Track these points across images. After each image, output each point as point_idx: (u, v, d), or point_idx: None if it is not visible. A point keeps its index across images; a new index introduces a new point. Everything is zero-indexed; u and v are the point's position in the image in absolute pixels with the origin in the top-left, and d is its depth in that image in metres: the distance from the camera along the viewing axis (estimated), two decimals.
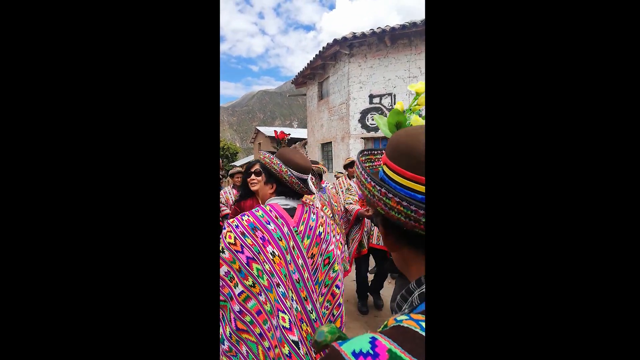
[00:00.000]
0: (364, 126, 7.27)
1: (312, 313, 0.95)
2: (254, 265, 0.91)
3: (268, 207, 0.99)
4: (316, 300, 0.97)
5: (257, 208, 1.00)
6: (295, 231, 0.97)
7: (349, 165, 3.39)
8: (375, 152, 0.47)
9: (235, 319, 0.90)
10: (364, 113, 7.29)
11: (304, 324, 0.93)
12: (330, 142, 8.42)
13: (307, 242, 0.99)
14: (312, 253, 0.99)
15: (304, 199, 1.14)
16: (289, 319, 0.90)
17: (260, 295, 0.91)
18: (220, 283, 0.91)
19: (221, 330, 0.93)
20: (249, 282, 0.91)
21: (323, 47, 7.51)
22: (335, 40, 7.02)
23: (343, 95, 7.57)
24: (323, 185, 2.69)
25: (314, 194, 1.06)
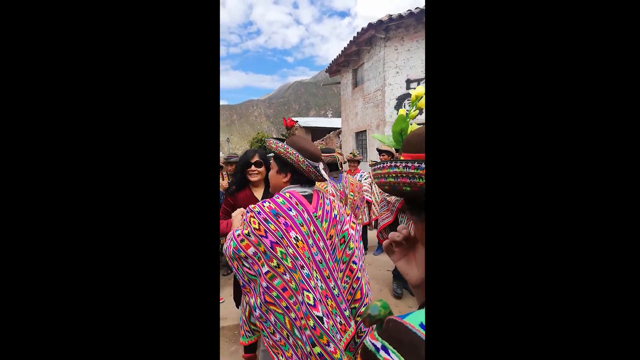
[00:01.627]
0: None
1: (334, 289, 1.03)
2: (278, 249, 0.97)
3: (288, 194, 1.03)
4: (337, 278, 1.04)
5: (278, 195, 1.04)
6: (315, 216, 1.03)
7: (384, 152, 3.32)
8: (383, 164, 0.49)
9: (264, 292, 0.98)
10: (401, 99, 7.00)
11: (329, 299, 1.00)
12: (365, 131, 8.26)
13: (325, 225, 1.05)
14: (330, 235, 1.06)
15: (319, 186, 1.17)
16: (313, 297, 0.96)
17: (285, 274, 0.97)
18: (250, 261, 0.99)
19: (253, 299, 1.02)
20: (274, 263, 0.97)
21: (357, 33, 7.29)
22: (370, 24, 6.77)
23: (378, 82, 7.33)
24: (341, 175, 2.60)
25: (326, 180, 1.10)
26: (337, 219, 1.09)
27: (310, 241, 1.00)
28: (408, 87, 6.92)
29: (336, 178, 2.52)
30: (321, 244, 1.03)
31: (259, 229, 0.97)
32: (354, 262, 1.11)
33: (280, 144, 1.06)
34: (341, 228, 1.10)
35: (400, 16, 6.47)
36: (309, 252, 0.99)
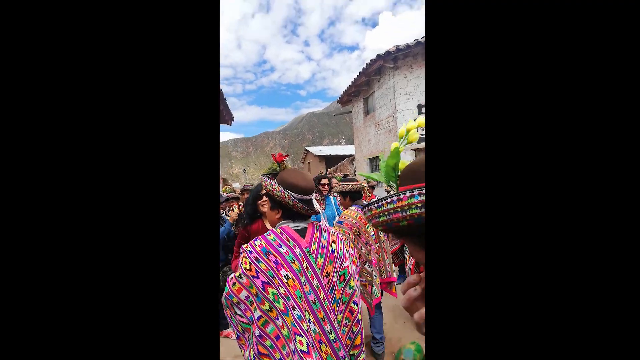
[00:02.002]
0: None
1: (330, 333, 0.93)
2: (270, 290, 0.91)
3: (279, 230, 1.00)
4: (334, 320, 0.95)
5: (269, 232, 1.01)
6: (308, 251, 0.97)
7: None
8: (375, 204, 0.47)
9: (257, 343, 0.91)
10: None
11: (323, 345, 0.91)
12: (378, 157, 8.25)
13: (320, 261, 0.98)
14: (327, 271, 0.98)
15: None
16: (306, 342, 0.89)
17: (278, 319, 0.91)
18: (243, 307, 0.93)
19: (248, 352, 0.94)
20: (266, 306, 0.92)
21: (367, 64, 7.58)
22: (378, 55, 7.04)
23: (390, 109, 7.46)
24: (365, 202, 2.50)
25: (318, 212, 1.07)
26: (336, 254, 1.02)
27: (303, 279, 0.93)
28: (420, 112, 6.99)
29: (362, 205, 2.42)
30: (315, 281, 0.95)
31: (250, 269, 0.93)
32: (355, 303, 1.03)
33: (269, 181, 1.04)
34: (340, 265, 1.02)
35: (407, 46, 6.71)
36: (300, 291, 0.92)
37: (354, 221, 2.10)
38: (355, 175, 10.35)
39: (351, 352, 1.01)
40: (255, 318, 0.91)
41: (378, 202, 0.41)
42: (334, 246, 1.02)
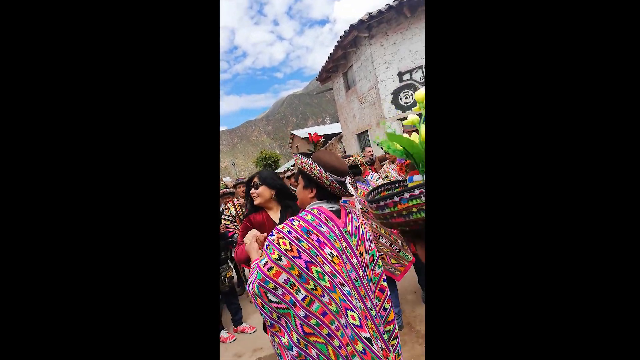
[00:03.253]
0: (398, 107, 6.92)
1: (372, 310, 0.97)
2: (314, 269, 0.90)
3: (315, 211, 0.98)
4: (372, 297, 0.99)
5: (305, 212, 0.99)
6: (345, 232, 0.98)
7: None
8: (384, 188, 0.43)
9: (302, 324, 0.89)
10: (396, 93, 6.93)
11: (369, 321, 0.94)
12: (366, 131, 8.20)
13: (354, 241, 1.00)
14: (360, 252, 1.01)
15: (352, 204, 1.15)
16: (358, 316, 0.91)
17: (324, 296, 0.90)
18: (281, 291, 0.90)
19: (287, 337, 0.92)
20: (311, 285, 0.90)
21: (341, 37, 7.32)
22: (351, 26, 6.78)
23: (370, 80, 7.30)
24: (366, 178, 2.47)
25: (353, 195, 1.03)
26: (365, 235, 1.05)
27: (344, 257, 0.96)
28: (401, 80, 6.86)
29: (364, 182, 2.37)
30: (354, 260, 0.98)
31: (291, 250, 0.90)
32: (384, 281, 1.07)
33: (305, 159, 1.02)
34: (369, 246, 1.06)
35: (380, 12, 6.47)
36: (345, 269, 0.94)
37: (359, 205, 2.06)
38: (344, 153, 10.29)
39: (386, 329, 1.04)
40: (300, 299, 0.89)
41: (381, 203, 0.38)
42: (363, 228, 1.04)
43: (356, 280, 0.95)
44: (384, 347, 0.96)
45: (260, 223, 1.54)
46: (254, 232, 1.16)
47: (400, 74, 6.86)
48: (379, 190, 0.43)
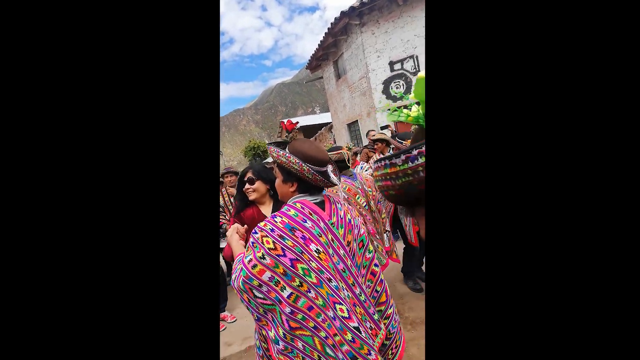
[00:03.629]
0: (389, 96, 6.90)
1: (361, 295, 0.99)
2: (299, 266, 0.88)
3: (299, 205, 0.94)
4: (361, 283, 1.01)
5: (288, 207, 0.95)
6: (331, 224, 0.97)
7: (378, 141, 3.21)
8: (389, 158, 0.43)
9: (288, 319, 0.89)
10: (387, 83, 6.90)
11: (357, 307, 0.97)
12: (357, 121, 8.16)
13: (341, 231, 0.99)
14: (348, 241, 1.00)
15: (330, 191, 1.10)
16: (347, 308, 0.92)
17: (310, 292, 0.89)
18: (266, 288, 0.89)
19: (273, 332, 0.92)
20: (296, 282, 0.89)
21: (331, 24, 7.17)
22: (342, 12, 6.65)
23: (361, 69, 7.22)
24: (353, 171, 2.43)
25: (337, 184, 1.00)
26: (352, 223, 1.04)
27: (331, 251, 0.94)
28: (392, 70, 6.81)
29: (351, 176, 2.30)
30: (341, 251, 0.97)
31: (275, 248, 0.88)
32: (376, 265, 1.08)
33: (282, 152, 0.96)
34: (358, 232, 1.05)
35: None
36: (332, 263, 0.93)
37: (343, 194, 2.05)
38: (335, 143, 10.25)
39: (378, 309, 1.06)
40: (285, 297, 0.88)
41: (399, 156, 0.38)
42: (349, 216, 1.04)
43: (344, 271, 0.95)
44: (372, 326, 0.98)
45: (251, 218, 1.49)
46: (235, 226, 1.14)
47: (391, 64, 6.81)
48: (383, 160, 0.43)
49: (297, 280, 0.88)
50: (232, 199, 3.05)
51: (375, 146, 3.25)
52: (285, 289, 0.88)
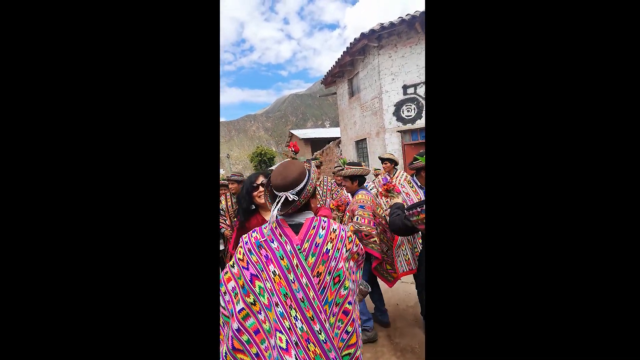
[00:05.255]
0: (400, 119, 6.98)
1: (320, 334, 0.89)
2: (257, 283, 0.90)
3: (274, 224, 0.96)
4: (325, 320, 0.91)
5: (266, 225, 0.97)
6: (299, 249, 0.93)
7: (386, 160, 3.28)
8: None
9: (233, 337, 0.89)
10: (399, 105, 7.00)
11: (311, 344, 0.88)
12: (365, 139, 8.24)
13: (312, 260, 0.93)
14: (318, 271, 0.93)
15: (320, 212, 1.09)
16: (287, 339, 0.87)
17: (260, 313, 0.90)
18: (228, 298, 0.91)
19: (221, 348, 0.91)
20: (250, 299, 0.90)
21: (350, 43, 7.36)
22: (362, 34, 6.83)
23: (375, 90, 7.35)
24: (366, 185, 2.48)
25: (270, 216, 0.98)
26: (330, 254, 0.95)
27: (292, 276, 0.90)
28: (405, 93, 6.93)
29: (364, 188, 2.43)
30: (304, 280, 0.90)
31: (242, 260, 0.92)
32: (350, 303, 0.99)
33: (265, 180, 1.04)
34: (335, 265, 0.95)
35: (392, 24, 6.54)
36: (287, 289, 0.89)
37: (369, 204, 2.23)
38: (340, 158, 10.30)
39: (346, 353, 0.97)
40: (237, 310, 0.89)
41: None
42: (329, 245, 0.95)
43: (302, 301, 0.89)
44: None
45: (256, 224, 1.52)
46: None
47: (405, 87, 6.93)
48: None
49: (251, 296, 0.90)
50: (234, 205, 3.04)
51: (384, 165, 3.33)
52: (239, 303, 0.90)
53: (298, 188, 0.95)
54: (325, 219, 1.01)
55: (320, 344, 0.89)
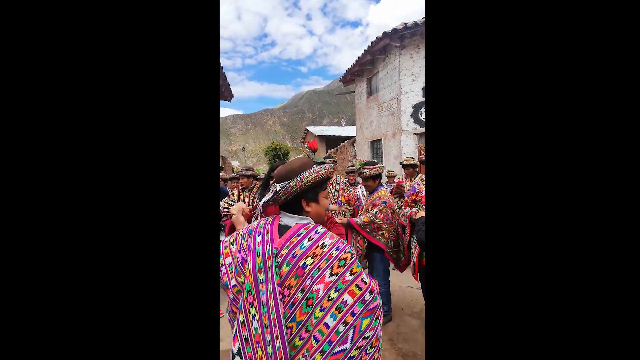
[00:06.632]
0: (417, 121, 6.86)
1: (269, 345, 0.82)
2: (245, 266, 0.92)
3: (270, 219, 0.97)
4: (277, 337, 0.82)
5: (265, 218, 0.99)
6: (275, 253, 0.86)
7: (408, 167, 3.27)
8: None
9: (231, 303, 0.96)
10: (417, 107, 6.88)
11: (260, 349, 0.83)
12: (380, 139, 8.15)
13: (285, 269, 0.85)
14: (289, 284, 0.84)
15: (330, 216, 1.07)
16: (235, 329, 0.89)
17: (244, 294, 0.93)
18: (223, 270, 0.96)
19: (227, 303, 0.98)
20: (241, 279, 0.92)
21: (372, 42, 7.28)
22: (384, 33, 6.74)
23: (394, 90, 7.25)
24: (379, 187, 2.61)
25: (260, 201, 0.99)
26: (307, 271, 0.83)
27: (261, 276, 0.85)
28: (424, 95, 6.79)
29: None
30: (269, 285, 0.84)
31: (238, 242, 0.96)
32: (320, 331, 0.82)
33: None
34: (310, 285, 0.83)
35: (415, 24, 6.41)
36: (252, 286, 0.85)
37: (390, 201, 2.49)
38: (355, 157, 10.25)
39: None
40: (231, 285, 0.93)
41: None
42: (309, 261, 0.84)
43: (263, 305, 0.83)
44: None
45: (273, 212, 1.56)
46: (240, 205, 1.20)
47: (424, 89, 6.80)
48: None
49: (242, 277, 0.91)
50: (245, 200, 3.09)
51: (406, 171, 3.36)
52: (233, 279, 0.93)
53: (285, 183, 0.92)
54: (320, 231, 0.90)
55: (267, 354, 0.82)
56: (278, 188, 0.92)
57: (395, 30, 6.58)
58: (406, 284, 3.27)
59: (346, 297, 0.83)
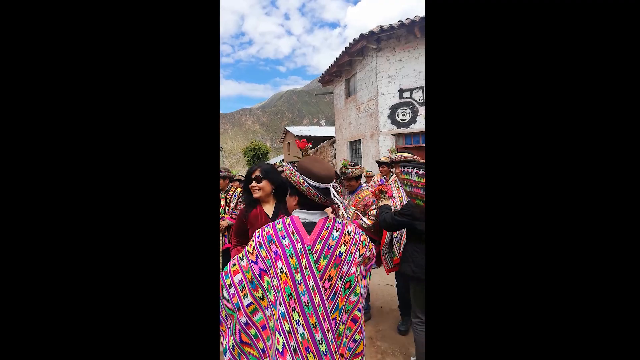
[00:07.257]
0: (394, 122, 7.02)
1: (321, 344, 0.85)
2: (265, 278, 0.88)
3: (288, 220, 0.94)
4: (327, 330, 0.86)
5: (279, 220, 0.95)
6: (309, 250, 0.89)
7: (383, 164, 3.35)
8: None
9: (240, 331, 0.89)
10: (394, 109, 7.03)
11: (311, 354, 0.84)
12: (359, 140, 8.26)
13: (323, 262, 0.89)
14: (330, 275, 0.89)
15: (330, 211, 1.07)
16: (284, 342, 0.84)
17: (267, 309, 0.89)
18: (233, 291, 0.90)
19: (226, 340, 0.91)
20: (259, 294, 0.89)
21: (349, 43, 7.35)
22: (362, 35, 6.83)
23: (371, 92, 7.37)
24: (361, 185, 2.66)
25: (336, 204, 0.97)
26: (343, 258, 0.91)
27: (299, 277, 0.86)
28: (401, 97, 6.96)
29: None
30: (311, 283, 0.86)
31: (252, 253, 0.91)
32: (359, 310, 0.95)
33: (289, 166, 0.99)
34: (347, 270, 0.91)
35: (391, 27, 6.55)
36: (292, 289, 0.86)
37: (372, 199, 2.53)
38: (335, 158, 10.32)
39: None
40: (245, 305, 0.88)
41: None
42: (343, 249, 0.91)
43: (306, 306, 0.85)
44: None
45: (254, 216, 1.52)
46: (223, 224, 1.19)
47: (401, 91, 6.96)
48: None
49: (260, 291, 0.88)
50: (228, 200, 3.02)
51: (380, 169, 3.43)
52: (247, 297, 0.89)
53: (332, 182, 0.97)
54: (340, 221, 0.97)
55: (319, 355, 0.85)
56: (339, 188, 0.97)
57: (372, 32, 6.69)
58: (384, 282, 3.34)
59: (362, 267, 0.99)
